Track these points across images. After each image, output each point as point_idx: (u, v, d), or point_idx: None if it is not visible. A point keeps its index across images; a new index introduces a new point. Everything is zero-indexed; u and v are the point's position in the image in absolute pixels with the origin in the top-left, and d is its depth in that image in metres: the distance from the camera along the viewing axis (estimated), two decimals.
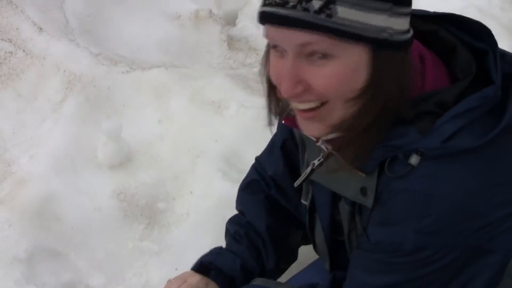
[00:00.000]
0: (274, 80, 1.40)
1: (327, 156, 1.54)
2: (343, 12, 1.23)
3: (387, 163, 1.42)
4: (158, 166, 2.71)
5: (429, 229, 1.37)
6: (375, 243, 1.49)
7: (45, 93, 2.88)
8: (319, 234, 1.80)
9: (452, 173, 1.36)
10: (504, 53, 1.50)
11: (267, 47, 1.45)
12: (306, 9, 1.24)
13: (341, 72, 1.30)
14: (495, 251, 1.43)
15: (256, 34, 3.60)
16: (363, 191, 1.48)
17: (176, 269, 2.16)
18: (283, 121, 1.62)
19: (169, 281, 1.88)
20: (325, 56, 1.29)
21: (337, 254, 1.78)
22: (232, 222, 2.02)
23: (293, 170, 1.91)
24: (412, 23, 1.44)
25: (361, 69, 1.32)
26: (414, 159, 1.35)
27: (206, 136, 2.74)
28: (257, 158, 2.08)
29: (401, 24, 1.32)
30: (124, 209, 2.61)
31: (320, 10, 1.23)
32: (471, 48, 1.49)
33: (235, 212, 2.06)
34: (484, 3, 3.85)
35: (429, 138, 1.33)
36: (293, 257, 2.07)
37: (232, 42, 3.41)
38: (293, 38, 1.28)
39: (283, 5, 1.26)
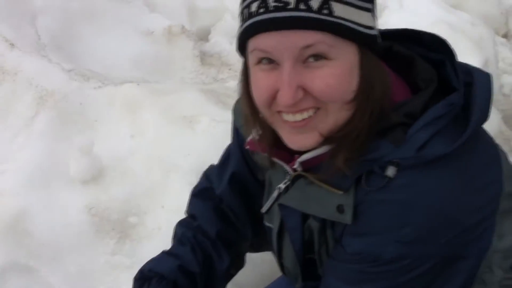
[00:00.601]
0: (263, 97, 1.41)
1: (295, 178, 1.57)
2: (339, 10, 1.29)
3: (363, 177, 1.43)
4: (130, 180, 2.72)
5: (408, 239, 1.39)
6: (352, 254, 1.50)
7: (17, 109, 2.89)
8: (289, 256, 1.79)
9: (428, 181, 1.39)
10: (460, 63, 1.54)
11: (242, 71, 1.50)
12: (308, 9, 1.27)
13: (339, 72, 1.34)
14: (468, 257, 1.46)
15: (229, 49, 3.63)
16: (340, 208, 1.47)
17: None
18: (247, 147, 1.67)
19: None
20: (321, 58, 1.32)
21: (307, 273, 1.77)
22: (180, 224, 2.04)
23: (245, 195, 1.99)
24: None
25: (355, 70, 1.37)
26: (390, 171, 1.37)
27: (178, 150, 2.76)
28: (211, 166, 2.12)
29: (376, 24, 1.41)
30: (96, 223, 2.62)
31: (320, 8, 1.27)
32: (428, 59, 1.54)
33: None
34: (454, 19, 3.89)
35: (404, 148, 1.37)
36: (241, 263, 2.11)
37: (204, 58, 3.43)
38: (295, 41, 1.30)
39: (283, 7, 1.28)
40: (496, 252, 1.51)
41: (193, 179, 2.22)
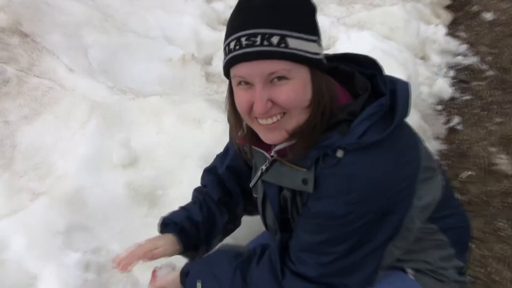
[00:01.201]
0: (243, 108, 1.50)
1: (271, 163, 1.64)
2: (293, 44, 1.38)
3: (321, 158, 1.50)
4: (156, 165, 2.72)
5: (353, 201, 1.46)
6: (314, 212, 1.56)
7: (75, 115, 2.88)
8: (270, 216, 1.81)
9: (366, 160, 1.46)
10: (387, 75, 1.61)
11: (228, 89, 1.58)
12: (269, 44, 1.36)
13: (296, 88, 1.43)
14: (396, 212, 1.53)
15: None
16: (304, 181, 1.55)
17: None
18: (237, 141, 1.74)
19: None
20: (283, 78, 1.41)
21: (284, 228, 1.79)
22: (195, 190, 2.10)
23: (239, 177, 2.06)
24: None
25: (308, 85, 1.46)
26: (339, 153, 1.46)
27: (190, 143, 2.78)
28: (217, 155, 2.16)
29: (322, 51, 1.49)
30: (132, 196, 2.63)
31: (279, 43, 1.37)
32: (363, 74, 1.62)
33: None
34: (386, 47, 3.91)
35: (348, 137, 1.46)
36: (238, 222, 2.13)
37: (208, 77, 3.42)
38: (263, 68, 1.40)
39: (251, 45, 1.37)
40: (416, 208, 1.56)
41: (201, 163, 2.26)
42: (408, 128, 1.66)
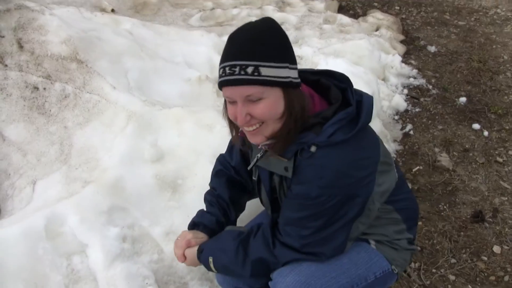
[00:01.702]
0: (232, 118, 1.54)
1: (264, 152, 1.65)
2: (265, 71, 1.40)
3: (298, 152, 1.54)
4: (178, 160, 2.68)
5: (324, 185, 1.50)
6: (294, 194, 1.59)
7: (116, 122, 2.86)
8: (264, 194, 1.81)
9: (334, 154, 1.49)
10: (355, 90, 1.61)
11: (224, 102, 1.60)
12: (245, 73, 1.40)
13: (269, 105, 1.46)
14: (360, 195, 1.57)
15: None
16: (286, 169, 1.58)
17: (187, 216, 2.11)
18: (239, 134, 1.73)
19: (177, 239, 1.92)
20: (259, 99, 1.44)
21: (274, 204, 1.80)
22: (208, 194, 2.04)
23: (245, 162, 1.97)
24: (305, 76, 1.66)
25: (280, 102, 1.47)
26: (313, 148, 1.49)
27: (203, 143, 2.73)
28: (221, 154, 2.12)
29: (294, 73, 1.48)
30: (159, 184, 2.59)
31: (253, 72, 1.39)
32: (338, 87, 1.61)
33: None
34: (355, 70, 3.90)
35: (320, 136, 1.49)
36: (243, 210, 2.08)
37: (218, 92, 3.38)
38: (241, 92, 1.44)
39: (232, 73, 1.41)
40: (376, 193, 1.61)
41: (212, 159, 2.22)
42: (371, 131, 1.67)
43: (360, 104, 1.54)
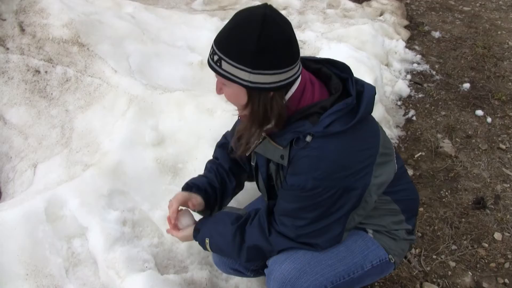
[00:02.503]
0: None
1: (263, 139, 1.62)
2: (224, 66, 1.41)
3: (294, 141, 1.52)
4: (178, 144, 2.66)
5: (320, 177, 1.47)
6: (290, 185, 1.56)
7: (118, 106, 2.85)
8: (261, 181, 1.81)
9: (330, 145, 1.46)
10: (357, 80, 1.59)
11: None
12: (212, 60, 1.44)
13: (230, 94, 1.50)
14: (357, 188, 1.54)
15: None
16: (282, 157, 1.56)
17: None
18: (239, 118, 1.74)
19: (170, 201, 1.89)
20: (223, 84, 1.49)
21: (270, 191, 1.80)
22: (209, 162, 2.04)
23: None
24: (307, 64, 1.64)
25: (242, 96, 1.47)
26: (308, 138, 1.47)
27: (204, 127, 2.71)
28: (227, 131, 2.13)
29: (261, 79, 1.41)
30: (160, 168, 2.57)
31: (216, 62, 1.43)
32: (339, 77, 1.58)
33: None
34: (358, 56, 3.85)
35: (317, 126, 1.46)
36: (242, 186, 2.07)
37: None
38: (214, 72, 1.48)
39: (210, 54, 1.47)
40: (373, 185, 1.58)
41: (213, 143, 2.20)
42: (372, 122, 1.64)
43: (361, 95, 1.52)
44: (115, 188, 2.44)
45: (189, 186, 1.93)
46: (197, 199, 1.88)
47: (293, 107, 1.53)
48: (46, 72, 3.04)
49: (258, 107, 1.47)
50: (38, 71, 3.04)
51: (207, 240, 1.81)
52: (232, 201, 2.08)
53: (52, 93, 2.98)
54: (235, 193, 2.05)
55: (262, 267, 1.85)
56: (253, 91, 1.43)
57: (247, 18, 1.38)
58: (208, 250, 1.85)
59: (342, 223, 1.60)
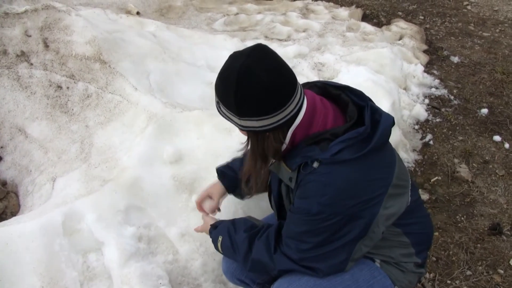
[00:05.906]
0: None
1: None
2: (222, 109, 1.54)
3: (302, 165, 1.54)
4: (196, 162, 2.68)
5: (326, 202, 1.47)
6: (296, 208, 1.57)
7: (137, 123, 2.88)
8: (273, 200, 1.85)
9: (339, 172, 1.47)
10: (376, 109, 1.59)
11: None
12: (215, 100, 1.56)
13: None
14: (363, 217, 1.53)
15: None
16: (290, 179, 1.60)
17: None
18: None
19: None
20: None
21: (281, 210, 1.84)
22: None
23: None
24: (328, 89, 1.68)
25: (244, 132, 1.61)
26: (315, 164, 1.49)
27: (222, 145, 2.73)
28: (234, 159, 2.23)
29: (250, 124, 1.50)
30: (177, 185, 2.59)
31: (216, 104, 1.56)
32: (357, 104, 1.60)
33: None
34: (376, 79, 3.84)
35: (325, 153, 1.48)
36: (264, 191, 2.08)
37: None
38: None
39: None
40: (382, 216, 1.56)
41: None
42: (388, 151, 1.63)
43: (377, 124, 1.51)
44: (132, 204, 2.46)
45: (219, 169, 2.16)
46: (216, 186, 2.14)
47: (302, 134, 1.54)
48: (68, 88, 3.09)
49: (257, 146, 1.57)
50: (60, 87, 3.09)
51: (220, 238, 1.88)
52: (256, 208, 2.18)
53: (73, 109, 3.02)
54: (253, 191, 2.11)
55: (268, 281, 1.88)
56: (249, 132, 1.54)
57: (226, 71, 1.44)
58: (219, 251, 1.91)
59: (347, 250, 1.58)
